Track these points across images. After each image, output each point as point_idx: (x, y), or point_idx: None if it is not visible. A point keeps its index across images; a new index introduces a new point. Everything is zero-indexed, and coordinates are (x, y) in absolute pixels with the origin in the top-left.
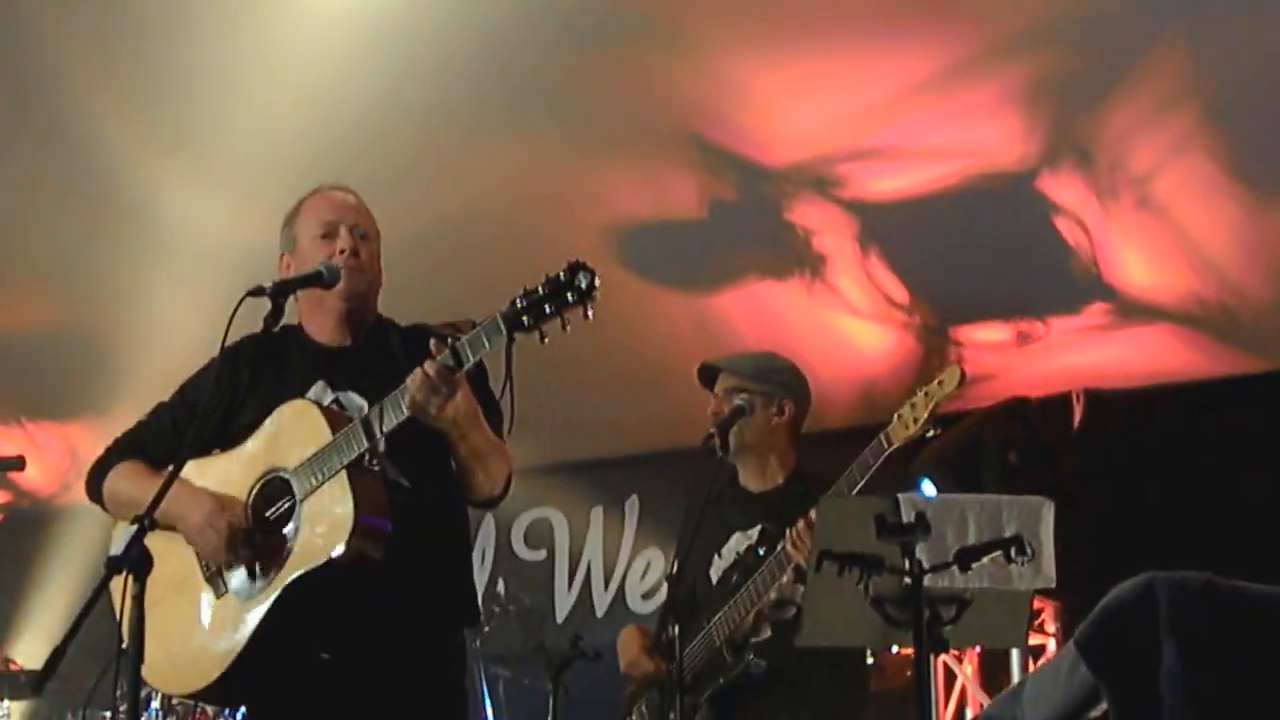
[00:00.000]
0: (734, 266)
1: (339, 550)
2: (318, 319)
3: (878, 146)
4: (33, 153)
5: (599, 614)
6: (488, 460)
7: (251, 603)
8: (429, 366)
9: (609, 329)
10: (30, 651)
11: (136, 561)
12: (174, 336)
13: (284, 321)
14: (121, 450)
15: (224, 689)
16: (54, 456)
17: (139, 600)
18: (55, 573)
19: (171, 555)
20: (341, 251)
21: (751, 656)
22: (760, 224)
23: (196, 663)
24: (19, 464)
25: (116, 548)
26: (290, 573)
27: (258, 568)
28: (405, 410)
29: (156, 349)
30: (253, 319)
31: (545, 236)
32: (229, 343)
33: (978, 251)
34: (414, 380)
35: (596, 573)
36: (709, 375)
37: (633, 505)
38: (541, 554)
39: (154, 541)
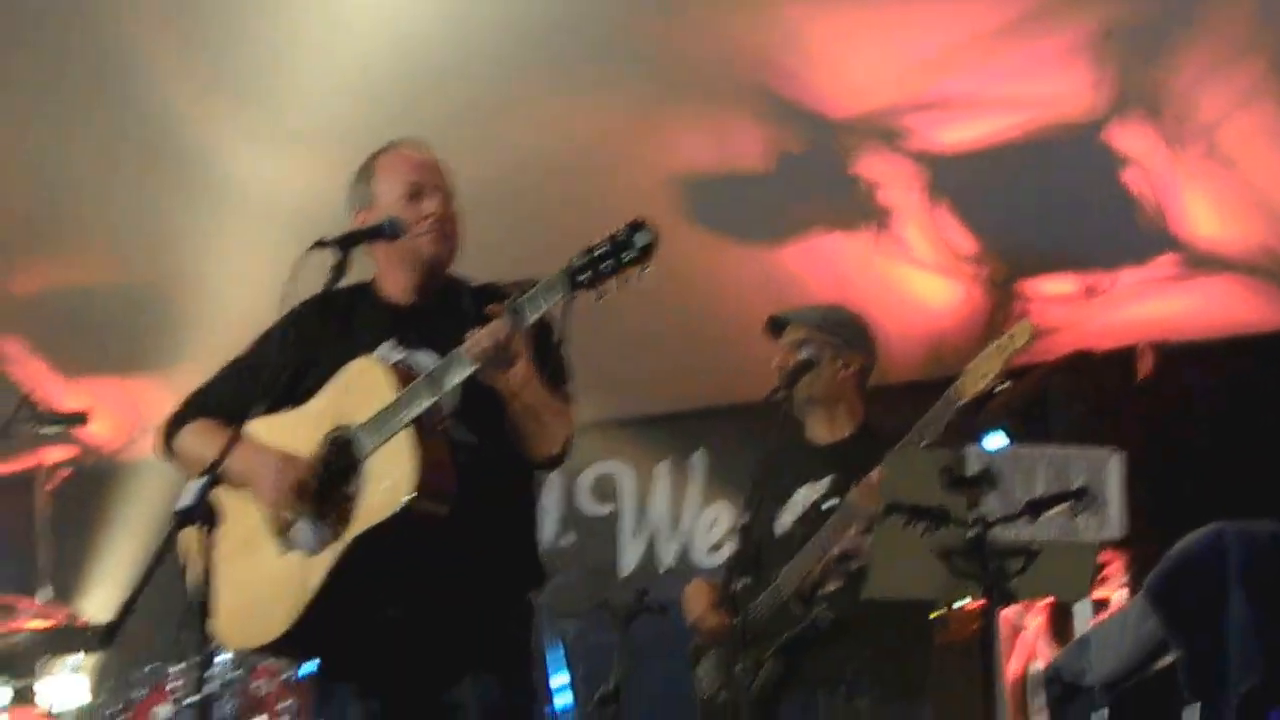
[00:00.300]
0: (800, 219)
1: (401, 507)
2: (393, 277)
3: (945, 98)
4: (96, 110)
5: (665, 568)
6: (545, 420)
7: (317, 558)
8: (489, 325)
9: (675, 282)
10: (97, 606)
11: (204, 513)
12: (237, 291)
13: (357, 279)
14: (192, 407)
15: (291, 643)
16: (118, 412)
17: (207, 552)
18: (121, 528)
19: (239, 511)
20: (428, 216)
21: (819, 609)
22: (827, 176)
23: (263, 617)
24: (82, 419)
25: (184, 501)
26: (355, 529)
27: (323, 524)
28: (466, 368)
29: (220, 304)
30: (316, 274)
31: (611, 190)
32: (293, 298)
33: (1045, 203)
34: (472, 339)
35: (663, 527)
36: (776, 327)
37: (699, 459)
38: (608, 508)
39: (222, 497)
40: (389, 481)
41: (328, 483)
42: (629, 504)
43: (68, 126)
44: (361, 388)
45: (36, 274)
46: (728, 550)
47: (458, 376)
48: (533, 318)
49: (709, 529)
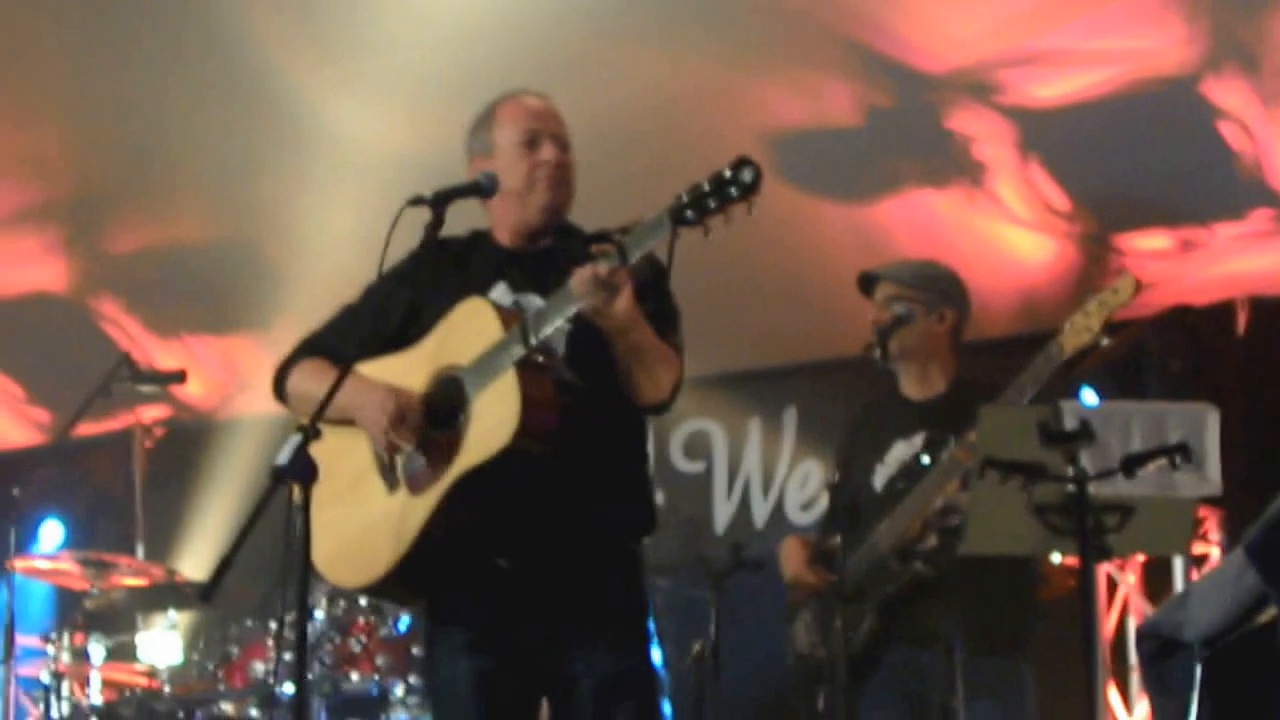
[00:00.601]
0: (892, 175)
1: (503, 444)
2: (508, 225)
3: (1038, 52)
4: (191, 66)
5: (758, 525)
6: (651, 363)
7: (422, 497)
8: (594, 263)
9: (765, 239)
10: (194, 564)
11: (301, 470)
12: (334, 248)
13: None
14: (306, 349)
15: (395, 583)
16: (214, 370)
17: (305, 509)
18: (217, 486)
19: (348, 448)
20: (545, 163)
21: (919, 564)
22: (919, 132)
23: (369, 555)
24: (180, 378)
25: (282, 457)
26: (459, 467)
27: (429, 463)
28: (571, 305)
29: (316, 261)
30: (413, 229)
31: (700, 145)
32: (390, 254)
33: (1140, 158)
34: (578, 277)
35: (755, 484)
36: (868, 284)
37: (791, 416)
38: (700, 465)
39: (331, 436)
40: (493, 420)
41: (434, 422)
42: (721, 461)
43: (163, 84)
44: (470, 328)
45: (132, 233)
46: (820, 508)
47: (563, 315)
48: (637, 254)
49: (801, 486)
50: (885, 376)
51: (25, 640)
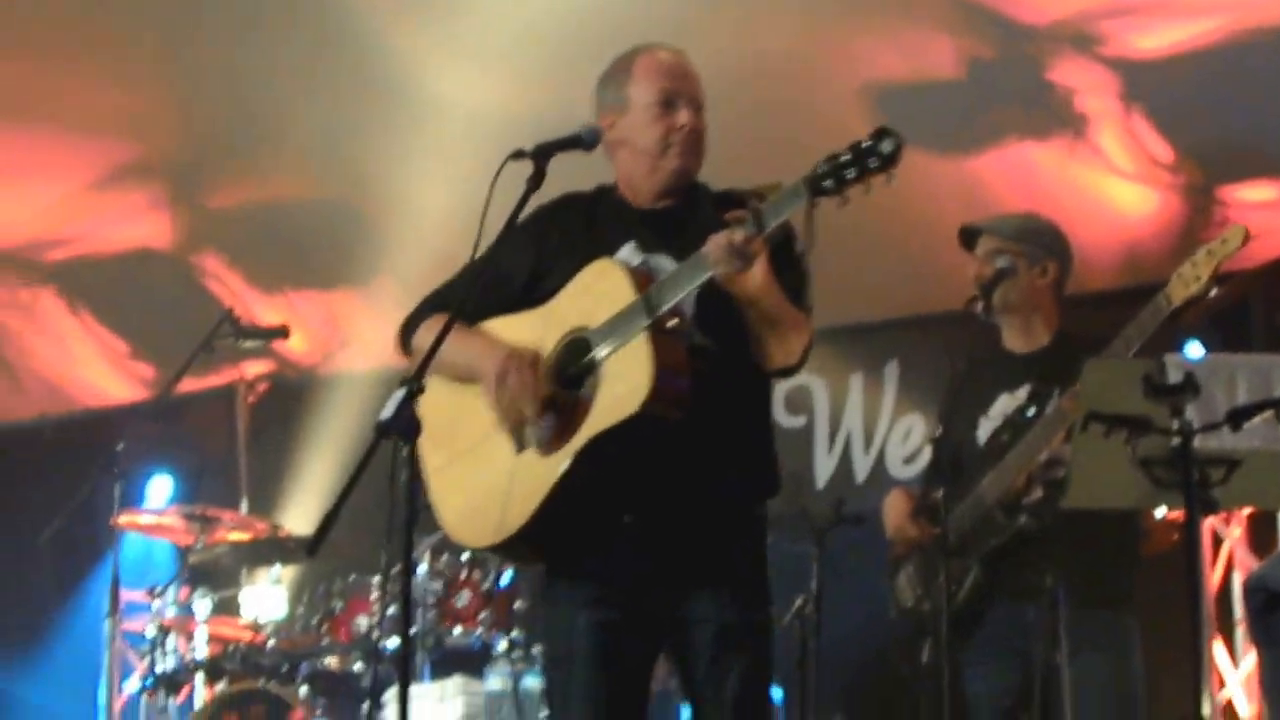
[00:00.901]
0: (993, 128)
1: (636, 409)
2: (636, 184)
3: (1141, 2)
4: (293, 26)
5: (859, 480)
6: (783, 329)
7: (551, 458)
8: (729, 229)
9: (867, 193)
10: (297, 519)
11: (405, 426)
12: (435, 207)
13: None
14: (431, 305)
15: (522, 543)
16: (317, 326)
17: (409, 465)
18: (320, 441)
19: (474, 406)
20: (681, 128)
21: (1023, 518)
22: (1020, 84)
23: (496, 515)
24: (282, 333)
25: (386, 411)
26: (590, 430)
27: (558, 425)
28: (705, 272)
29: (418, 219)
30: (514, 185)
31: (800, 100)
32: (491, 212)
33: (1244, 108)
34: (713, 243)
35: (856, 438)
36: (970, 237)
37: (892, 370)
38: (801, 420)
39: (457, 394)
40: (625, 384)
41: (563, 384)
42: (822, 416)
43: (267, 44)
44: (600, 290)
45: (234, 189)
46: (922, 462)
47: (696, 280)
48: (773, 224)
49: (903, 440)
50: (988, 330)
51: (130, 595)
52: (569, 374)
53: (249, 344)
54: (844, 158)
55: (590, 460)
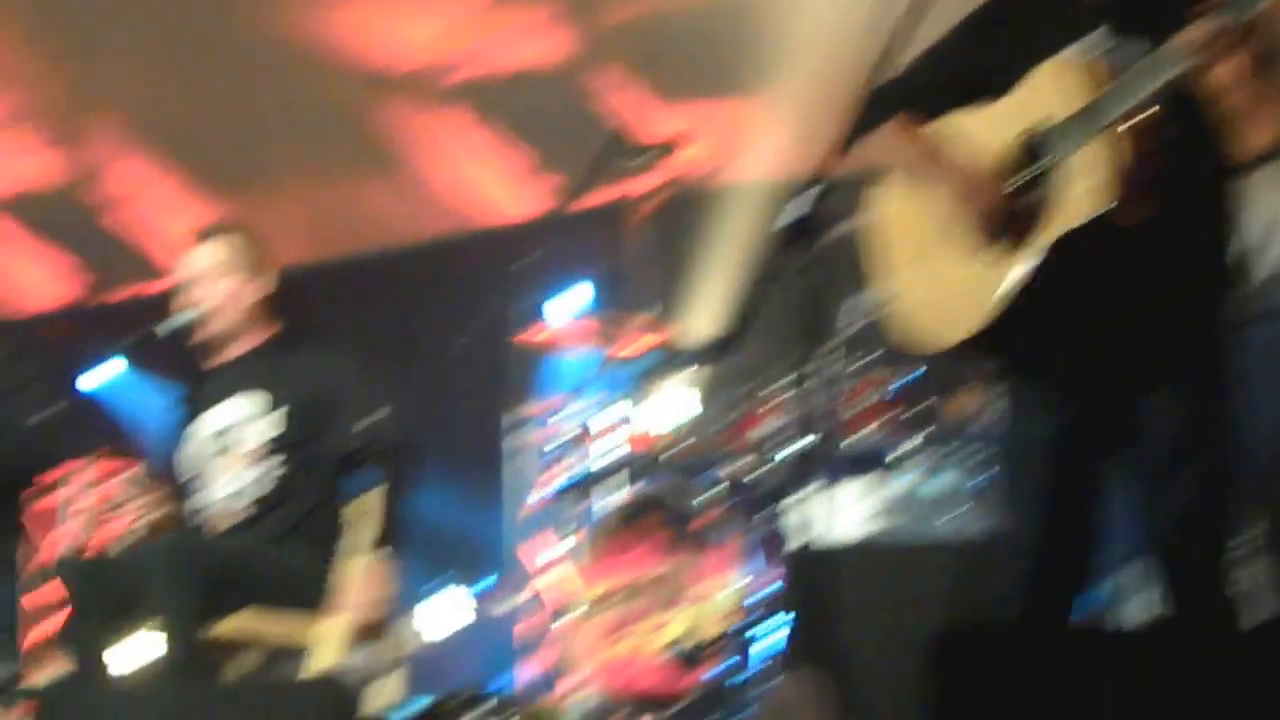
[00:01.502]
0: None
1: (1103, 208)
2: None
3: None
4: None
5: None
6: (1257, 120)
7: (1009, 261)
8: (1203, 19)
9: None
10: (698, 327)
11: (809, 227)
12: (832, 13)
13: None
14: (879, 101)
15: (974, 347)
16: (714, 135)
17: (805, 272)
18: (721, 249)
19: (924, 208)
20: None
21: None
22: None
23: (948, 319)
24: (669, 150)
25: (787, 216)
26: (1051, 233)
27: (1016, 226)
28: (1177, 66)
29: (814, 23)
30: None
31: None
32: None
33: None
34: (1186, 32)
35: None
36: None
37: None
38: None
39: (906, 197)
40: (1088, 185)
41: (1019, 185)
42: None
43: None
44: (1059, 86)
45: (628, 3)
46: None
47: (1166, 75)
48: (1251, 12)
49: None
50: None
51: (532, 409)
52: (1027, 175)
53: (645, 157)
54: None
55: (1050, 263)
